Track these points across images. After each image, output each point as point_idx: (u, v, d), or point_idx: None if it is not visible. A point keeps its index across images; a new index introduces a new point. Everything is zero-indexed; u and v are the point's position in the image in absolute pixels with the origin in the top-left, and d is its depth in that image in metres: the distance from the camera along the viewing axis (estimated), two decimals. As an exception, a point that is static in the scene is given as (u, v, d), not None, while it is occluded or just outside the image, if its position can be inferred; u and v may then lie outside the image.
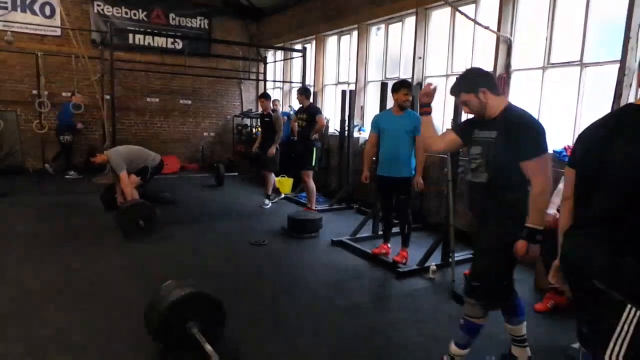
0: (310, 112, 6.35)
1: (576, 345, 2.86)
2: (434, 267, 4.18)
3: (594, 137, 1.62)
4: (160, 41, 10.19)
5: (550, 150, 4.55)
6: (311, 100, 6.68)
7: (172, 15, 10.22)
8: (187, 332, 2.45)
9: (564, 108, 4.96)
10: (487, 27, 5.12)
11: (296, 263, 4.56)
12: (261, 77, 11.04)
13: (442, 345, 2.93)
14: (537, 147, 2.18)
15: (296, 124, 6.69)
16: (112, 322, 3.06)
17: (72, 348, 2.70)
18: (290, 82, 10.33)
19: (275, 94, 10.94)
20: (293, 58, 10.13)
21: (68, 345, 2.74)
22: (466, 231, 4.82)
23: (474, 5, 5.77)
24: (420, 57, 6.60)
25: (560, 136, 4.92)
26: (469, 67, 2.74)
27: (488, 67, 5.51)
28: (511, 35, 5.33)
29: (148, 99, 10.39)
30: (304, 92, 6.41)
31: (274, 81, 10.96)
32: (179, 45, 10.32)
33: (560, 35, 4.93)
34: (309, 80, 8.73)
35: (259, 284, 3.93)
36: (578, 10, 4.68)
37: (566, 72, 4.89)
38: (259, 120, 7.67)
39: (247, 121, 10.94)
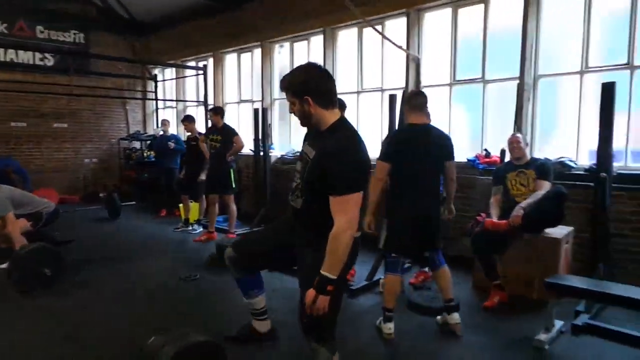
0: (225, 133, 6.02)
1: (540, 336, 3.13)
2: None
3: None
4: (25, 57, 8.84)
5: (464, 159, 5.09)
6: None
7: (39, 27, 8.93)
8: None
9: (470, 121, 5.49)
10: (400, 47, 5.43)
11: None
12: (150, 96, 10.25)
13: (411, 355, 3.01)
14: (346, 183, 1.87)
15: (204, 144, 6.29)
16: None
17: None
18: (185, 101, 9.76)
19: (166, 114, 10.23)
20: (187, 76, 9.60)
21: None
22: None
23: (380, 26, 6.09)
24: (330, 75, 6.73)
25: (469, 146, 5.44)
26: (310, 63, 2.15)
27: (400, 84, 5.87)
28: (419, 53, 5.74)
29: (12, 124, 8.90)
30: (219, 111, 6.05)
31: (164, 100, 10.27)
32: (50, 61, 9.09)
33: (464, 54, 5.45)
34: (209, 99, 8.34)
35: (208, 323, 3.53)
36: (478, 30, 5.21)
37: (470, 89, 5.42)
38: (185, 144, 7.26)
39: (137, 144, 10.04)
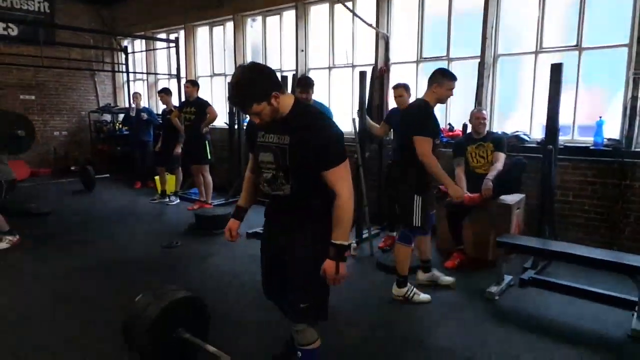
0: (198, 105, 6.18)
1: (491, 288, 3.56)
2: (355, 244, 4.58)
3: None
4: (-13, 26, 8.56)
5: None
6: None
7: (1, -5, 8.65)
8: (177, 338, 2.37)
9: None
10: (370, 25, 5.66)
11: (223, 260, 4.48)
12: (120, 68, 10.10)
13: (382, 311, 3.38)
14: (337, 155, 1.94)
15: (176, 119, 6.40)
16: None
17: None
18: (155, 73, 9.70)
19: (136, 87, 10.16)
20: (158, 49, 9.51)
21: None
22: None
23: (350, 3, 6.26)
24: (302, 50, 6.91)
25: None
26: (247, 65, 1.99)
27: (369, 60, 6.12)
28: (387, 31, 5.98)
29: (-23, 96, 8.69)
30: (196, 83, 6.19)
31: (135, 73, 10.14)
32: (14, 31, 8.83)
33: (431, 33, 5.72)
34: (181, 72, 8.35)
35: (193, 285, 3.80)
36: (443, 10, 5.48)
37: (436, 66, 5.69)
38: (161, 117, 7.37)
39: (108, 117, 9.96)
